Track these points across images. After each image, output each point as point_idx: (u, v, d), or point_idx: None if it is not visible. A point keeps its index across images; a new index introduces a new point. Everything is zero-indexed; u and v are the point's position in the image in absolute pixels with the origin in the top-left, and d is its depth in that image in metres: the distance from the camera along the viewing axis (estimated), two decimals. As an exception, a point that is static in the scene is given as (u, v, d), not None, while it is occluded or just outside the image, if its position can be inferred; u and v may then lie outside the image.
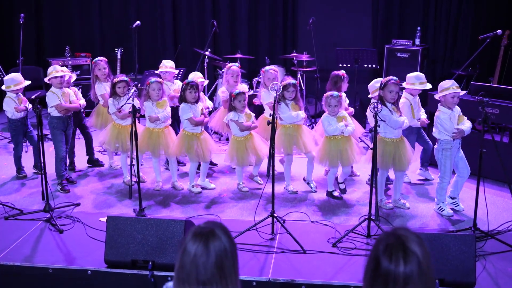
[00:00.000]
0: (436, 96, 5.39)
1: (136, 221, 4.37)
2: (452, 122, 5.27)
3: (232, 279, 1.98)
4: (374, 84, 6.06)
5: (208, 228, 2.00)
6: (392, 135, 5.40)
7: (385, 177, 5.67)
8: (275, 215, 4.91)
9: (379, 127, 4.95)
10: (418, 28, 8.77)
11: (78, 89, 6.63)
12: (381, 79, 5.97)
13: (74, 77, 6.63)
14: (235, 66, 6.59)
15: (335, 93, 5.72)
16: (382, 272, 1.81)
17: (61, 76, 6.06)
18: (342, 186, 5.96)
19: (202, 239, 1.96)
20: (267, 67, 6.43)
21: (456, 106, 5.32)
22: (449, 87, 5.26)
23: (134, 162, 5.38)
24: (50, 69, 6.12)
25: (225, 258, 1.96)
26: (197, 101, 5.90)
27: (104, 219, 4.95)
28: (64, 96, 6.08)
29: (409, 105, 5.83)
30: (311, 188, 6.04)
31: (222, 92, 6.52)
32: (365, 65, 8.59)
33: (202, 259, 1.93)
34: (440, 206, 5.45)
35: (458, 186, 5.51)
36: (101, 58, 6.76)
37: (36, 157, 6.46)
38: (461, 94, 5.29)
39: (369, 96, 6.16)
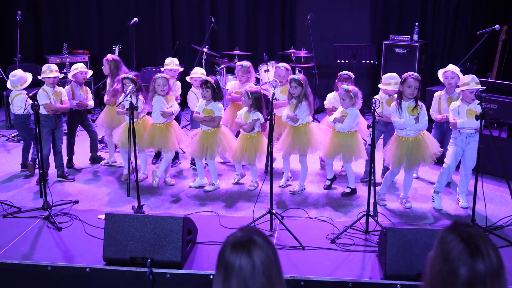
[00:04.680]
0: (457, 90, 5.42)
1: (134, 218, 4.37)
2: (460, 114, 5.28)
3: (280, 284, 1.89)
4: (389, 80, 5.95)
5: (246, 236, 1.89)
6: (401, 133, 5.31)
7: (394, 176, 5.58)
8: (274, 211, 4.91)
9: (377, 123, 4.94)
10: (416, 23, 8.76)
11: (81, 87, 6.61)
12: (394, 78, 5.93)
13: (90, 73, 6.67)
14: (238, 63, 6.73)
15: (345, 87, 5.64)
16: (470, 275, 1.69)
17: (54, 77, 6.05)
18: (328, 182, 6.00)
19: (244, 250, 1.84)
20: (279, 64, 6.45)
21: (476, 103, 5.19)
22: (468, 82, 5.27)
23: (133, 159, 5.37)
24: (44, 68, 6.13)
25: (271, 265, 1.86)
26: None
27: (102, 217, 4.95)
28: (55, 95, 6.06)
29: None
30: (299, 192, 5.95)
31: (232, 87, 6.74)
32: (363, 61, 8.58)
33: (248, 271, 1.82)
34: (433, 197, 5.48)
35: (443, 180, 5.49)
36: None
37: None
38: (480, 90, 5.18)
39: (379, 85, 6.06)
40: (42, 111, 6.00)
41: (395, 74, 5.94)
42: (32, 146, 6.44)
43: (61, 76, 6.26)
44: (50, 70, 6.06)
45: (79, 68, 6.53)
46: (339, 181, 6.10)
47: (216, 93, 5.84)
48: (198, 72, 6.50)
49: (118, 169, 6.63)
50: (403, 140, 5.32)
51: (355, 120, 5.59)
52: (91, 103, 6.58)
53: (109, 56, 6.69)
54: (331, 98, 6.29)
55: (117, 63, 6.59)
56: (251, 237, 1.88)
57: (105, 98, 6.68)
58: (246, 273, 1.81)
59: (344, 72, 6.20)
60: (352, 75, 6.19)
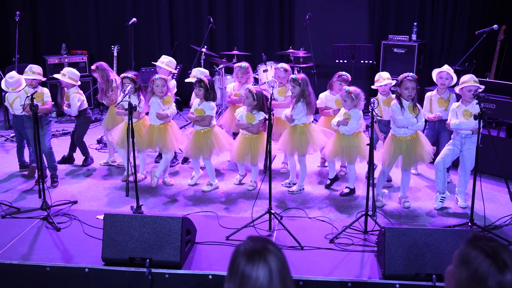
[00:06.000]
0: (456, 89, 5.45)
1: (133, 218, 4.37)
2: (458, 115, 5.29)
3: None
4: (379, 77, 6.06)
5: (259, 245, 1.88)
6: (399, 133, 5.32)
7: (386, 174, 5.59)
8: (273, 211, 4.91)
9: (376, 123, 4.94)
10: (415, 23, 8.77)
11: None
12: (383, 74, 6.02)
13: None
14: (237, 64, 6.73)
15: (346, 88, 5.63)
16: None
17: (33, 79, 6.03)
18: (328, 182, 6.02)
19: (261, 259, 1.84)
20: (279, 65, 6.44)
21: (474, 104, 5.19)
22: (467, 81, 5.30)
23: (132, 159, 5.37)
24: (26, 68, 6.10)
25: (285, 273, 1.87)
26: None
27: (101, 217, 4.94)
28: (37, 96, 5.94)
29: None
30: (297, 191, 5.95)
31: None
32: (362, 61, 8.59)
33: (266, 281, 1.81)
34: (441, 196, 5.50)
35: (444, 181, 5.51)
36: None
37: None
38: (480, 90, 5.21)
39: (373, 86, 6.13)
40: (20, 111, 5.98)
41: (383, 72, 6.11)
42: (25, 146, 6.45)
43: (44, 79, 6.23)
44: (32, 72, 6.04)
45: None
46: (338, 181, 6.10)
47: (209, 93, 5.83)
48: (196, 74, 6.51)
49: (117, 169, 6.63)
50: (399, 139, 5.33)
51: (359, 122, 5.58)
52: (68, 109, 6.50)
53: (92, 66, 6.67)
54: (323, 98, 6.30)
55: (103, 66, 6.60)
56: (265, 246, 1.88)
57: (105, 101, 6.65)
58: (264, 283, 1.81)
59: (344, 73, 6.20)
60: (350, 77, 6.21)
